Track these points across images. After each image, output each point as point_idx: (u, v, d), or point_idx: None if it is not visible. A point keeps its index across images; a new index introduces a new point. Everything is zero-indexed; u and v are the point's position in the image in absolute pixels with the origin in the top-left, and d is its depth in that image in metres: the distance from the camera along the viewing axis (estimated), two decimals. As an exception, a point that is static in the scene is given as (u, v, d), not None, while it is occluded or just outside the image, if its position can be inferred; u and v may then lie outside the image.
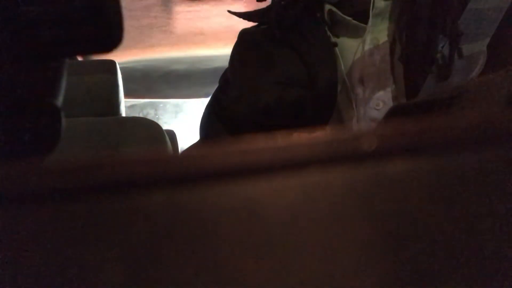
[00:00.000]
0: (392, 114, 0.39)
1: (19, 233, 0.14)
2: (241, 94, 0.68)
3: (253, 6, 0.76)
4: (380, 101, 0.61)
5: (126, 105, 1.51)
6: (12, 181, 0.15)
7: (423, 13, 0.58)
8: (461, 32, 0.56)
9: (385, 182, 0.16)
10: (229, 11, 0.75)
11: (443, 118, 0.17)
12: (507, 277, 0.16)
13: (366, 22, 0.63)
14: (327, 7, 0.65)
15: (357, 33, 0.64)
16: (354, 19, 0.64)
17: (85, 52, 0.27)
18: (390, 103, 0.60)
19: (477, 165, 0.16)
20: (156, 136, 1.19)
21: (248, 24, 0.75)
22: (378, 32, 0.62)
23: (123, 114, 1.34)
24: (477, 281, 0.15)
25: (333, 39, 0.65)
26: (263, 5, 0.73)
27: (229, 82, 0.73)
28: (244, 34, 0.75)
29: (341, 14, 0.64)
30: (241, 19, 0.74)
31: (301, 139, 0.16)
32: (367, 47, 0.62)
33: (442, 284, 0.15)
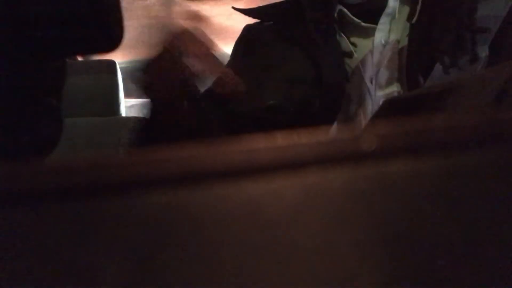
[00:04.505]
0: (386, 107, 0.39)
1: (19, 233, 0.14)
2: (245, 91, 0.68)
3: (253, 6, 0.75)
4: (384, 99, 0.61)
5: (126, 105, 1.51)
6: (12, 181, 0.15)
7: (437, 16, 0.59)
8: (479, 30, 0.57)
9: (385, 182, 0.16)
10: (233, 7, 0.75)
11: (443, 118, 0.17)
12: (507, 277, 0.16)
13: (372, 21, 0.64)
14: (337, 7, 0.66)
15: (366, 33, 0.65)
16: (361, 17, 0.64)
17: (85, 52, 0.27)
18: None
19: (477, 165, 0.16)
20: (156, 136, 1.18)
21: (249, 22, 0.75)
22: (388, 31, 0.63)
23: (123, 114, 1.34)
24: (477, 281, 0.15)
25: (344, 39, 0.65)
26: (265, 2, 0.73)
27: None
28: (248, 30, 0.75)
29: (350, 15, 0.65)
30: (241, 19, 0.74)
31: (301, 139, 0.16)
32: (376, 45, 0.63)
33: (442, 284, 0.15)
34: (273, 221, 0.15)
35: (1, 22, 0.23)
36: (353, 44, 0.65)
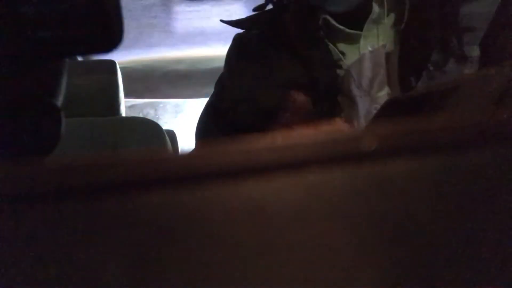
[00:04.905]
0: (388, 106, 0.39)
1: (19, 233, 0.14)
2: (241, 98, 0.69)
3: (252, 6, 0.76)
4: (377, 104, 0.62)
5: (126, 105, 1.51)
6: (12, 181, 0.15)
7: (425, 20, 0.60)
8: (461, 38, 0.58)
9: (385, 182, 0.16)
10: (221, 20, 0.76)
11: (443, 118, 0.17)
12: (507, 277, 0.16)
13: (359, 27, 0.64)
14: (322, 15, 0.67)
15: (351, 39, 0.66)
16: (347, 24, 0.65)
17: (85, 52, 0.27)
18: None
19: (477, 165, 0.16)
20: (156, 136, 1.19)
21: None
22: (373, 37, 0.64)
23: (123, 114, 1.34)
24: (477, 281, 0.15)
25: (330, 45, 0.66)
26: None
27: (225, 88, 0.73)
28: (239, 39, 0.76)
29: (335, 23, 0.66)
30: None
31: (301, 139, 0.16)
32: (363, 51, 0.64)
33: (442, 284, 0.15)
34: (273, 220, 0.15)
35: (1, 22, 0.23)
36: (341, 52, 0.66)
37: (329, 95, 0.64)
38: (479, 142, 0.17)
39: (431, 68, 0.59)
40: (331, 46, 0.66)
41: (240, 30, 0.75)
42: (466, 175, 0.16)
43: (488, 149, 0.16)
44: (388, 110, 0.38)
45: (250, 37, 0.74)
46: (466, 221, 0.16)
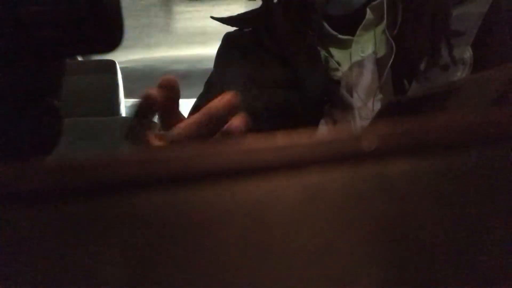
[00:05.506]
0: (388, 108, 0.39)
1: (19, 233, 0.14)
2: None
3: (252, 6, 0.76)
4: (369, 111, 0.62)
5: (126, 105, 1.51)
6: (12, 181, 0.15)
7: (418, 26, 0.60)
8: (451, 35, 0.58)
9: (385, 182, 0.16)
10: (212, 17, 0.76)
11: (443, 118, 0.17)
12: (507, 277, 0.16)
13: (350, 31, 0.64)
14: (316, 19, 0.66)
15: (344, 44, 0.66)
16: (342, 29, 0.65)
17: (85, 52, 0.27)
18: None
19: (477, 165, 0.16)
20: (156, 136, 1.19)
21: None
22: (364, 43, 0.64)
23: (123, 114, 1.34)
24: (477, 281, 0.15)
25: (322, 50, 0.66)
26: (254, 7, 0.74)
27: (212, 87, 0.73)
28: (228, 38, 0.76)
29: (328, 28, 0.66)
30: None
31: (301, 139, 0.16)
32: (354, 58, 0.64)
33: (442, 284, 0.15)
34: (273, 221, 0.15)
35: (1, 22, 0.23)
36: (337, 61, 0.66)
37: (315, 99, 0.64)
38: (479, 142, 0.17)
39: (425, 70, 0.59)
40: (324, 52, 0.66)
41: (231, 28, 0.75)
42: (466, 175, 0.16)
43: (488, 149, 0.17)
44: (388, 112, 0.38)
45: (240, 35, 0.74)
46: (466, 221, 0.16)
